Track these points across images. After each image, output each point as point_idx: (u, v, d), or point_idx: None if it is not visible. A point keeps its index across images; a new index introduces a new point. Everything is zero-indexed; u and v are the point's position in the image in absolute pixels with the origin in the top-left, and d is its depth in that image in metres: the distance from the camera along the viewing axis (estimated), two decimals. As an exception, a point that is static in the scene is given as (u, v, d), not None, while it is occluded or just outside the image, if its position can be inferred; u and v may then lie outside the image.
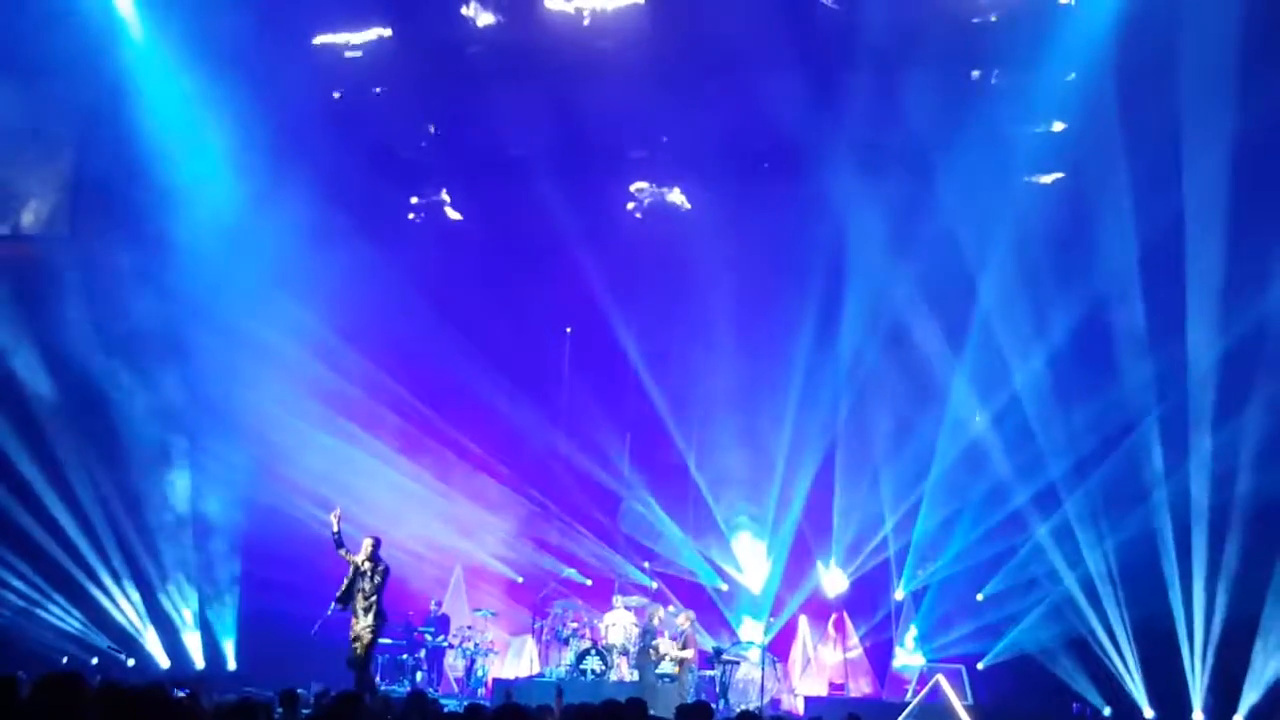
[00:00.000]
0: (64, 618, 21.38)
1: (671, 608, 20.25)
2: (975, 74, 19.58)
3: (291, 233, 20.21)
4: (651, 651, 18.55)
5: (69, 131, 22.08)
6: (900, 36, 19.04)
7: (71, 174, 22.44)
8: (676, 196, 22.47)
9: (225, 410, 21.62)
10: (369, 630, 15.42)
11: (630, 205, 22.42)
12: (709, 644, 19.69)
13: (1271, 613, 18.46)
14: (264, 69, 20.19)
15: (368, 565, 15.52)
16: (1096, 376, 19.50)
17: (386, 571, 15.72)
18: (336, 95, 21.48)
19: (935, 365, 20.88)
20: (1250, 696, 18.37)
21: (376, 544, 15.77)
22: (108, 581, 21.57)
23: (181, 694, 10.99)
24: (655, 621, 19.05)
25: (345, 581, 15.58)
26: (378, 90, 21.58)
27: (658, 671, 18.42)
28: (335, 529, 15.57)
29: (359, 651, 15.40)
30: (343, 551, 15.59)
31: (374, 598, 15.47)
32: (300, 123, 20.59)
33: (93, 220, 22.12)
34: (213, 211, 20.65)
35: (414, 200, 23.28)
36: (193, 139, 20.80)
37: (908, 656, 20.84)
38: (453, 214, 23.12)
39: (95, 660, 21.01)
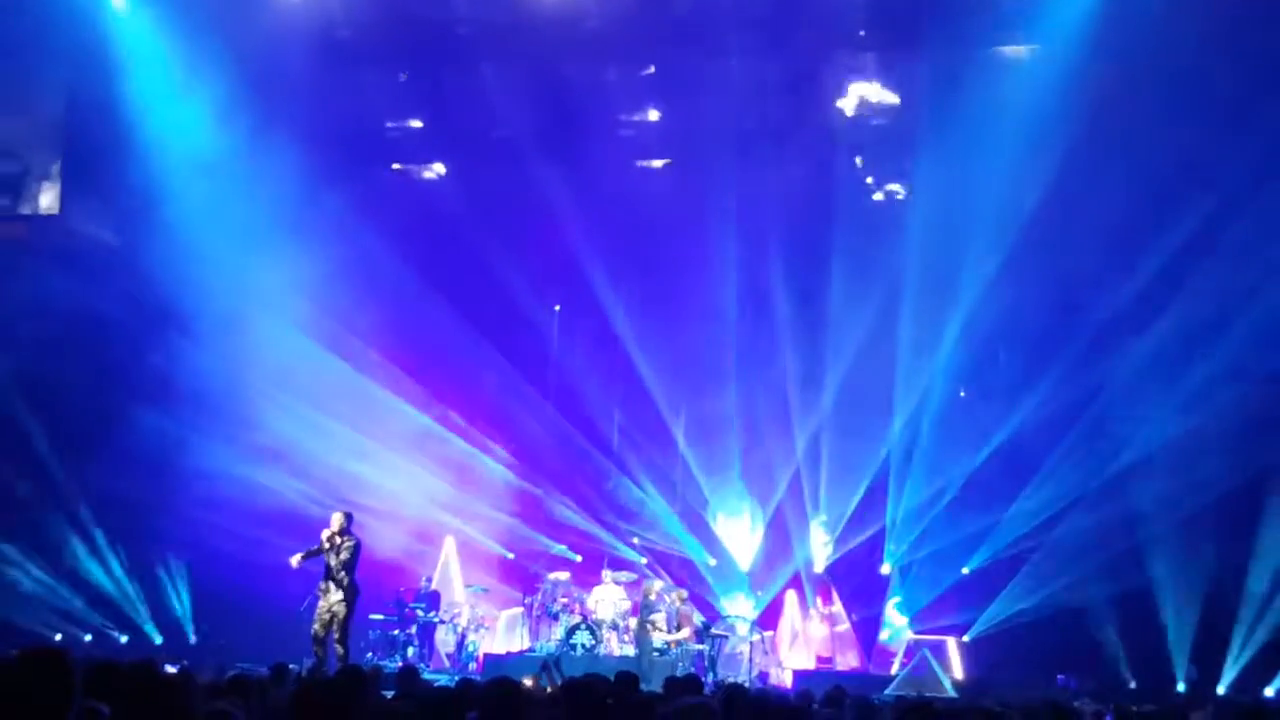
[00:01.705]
0: (55, 596, 21.49)
1: (663, 582, 20.38)
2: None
3: (277, 211, 20.23)
4: (649, 626, 18.61)
5: (55, 108, 22.04)
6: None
7: (59, 152, 22.42)
8: (664, 172, 22.47)
9: (215, 388, 21.62)
10: (342, 605, 15.44)
11: (618, 181, 22.37)
12: (699, 619, 19.82)
13: (1254, 585, 18.68)
14: (249, 42, 20.17)
15: (337, 540, 15.50)
16: (1076, 348, 19.62)
17: (357, 547, 15.63)
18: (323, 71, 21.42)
19: (921, 343, 20.97)
20: (1233, 669, 18.61)
21: (348, 519, 15.77)
22: (99, 559, 21.66)
23: (173, 670, 11.06)
24: (652, 596, 19.12)
25: (304, 553, 15.56)
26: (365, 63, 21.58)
27: (654, 646, 18.52)
28: (296, 564, 15.61)
29: (334, 628, 15.36)
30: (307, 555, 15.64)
31: (343, 573, 15.46)
32: (288, 97, 20.58)
33: (81, 198, 22.15)
34: (200, 189, 20.64)
35: (397, 167, 23.24)
36: (180, 114, 20.76)
37: (894, 629, 21.00)
38: (437, 169, 23.01)
39: (88, 638, 21.11)
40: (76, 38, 20.64)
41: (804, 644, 21.62)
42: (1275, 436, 18.33)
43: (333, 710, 5.37)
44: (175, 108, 20.74)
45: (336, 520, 15.65)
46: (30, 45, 20.47)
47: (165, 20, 20.52)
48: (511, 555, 22.74)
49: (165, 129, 20.84)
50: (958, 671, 19.61)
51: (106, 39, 20.73)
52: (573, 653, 18.60)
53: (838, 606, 21.52)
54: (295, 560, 15.60)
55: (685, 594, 19.62)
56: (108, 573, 21.85)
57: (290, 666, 11.63)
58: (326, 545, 15.49)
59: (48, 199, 22.42)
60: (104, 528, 21.78)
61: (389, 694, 10.99)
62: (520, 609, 21.29)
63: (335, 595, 15.42)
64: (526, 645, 20.35)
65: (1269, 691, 18.02)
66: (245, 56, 20.19)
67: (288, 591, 18.22)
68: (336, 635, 15.41)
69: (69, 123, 22.09)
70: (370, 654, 19.72)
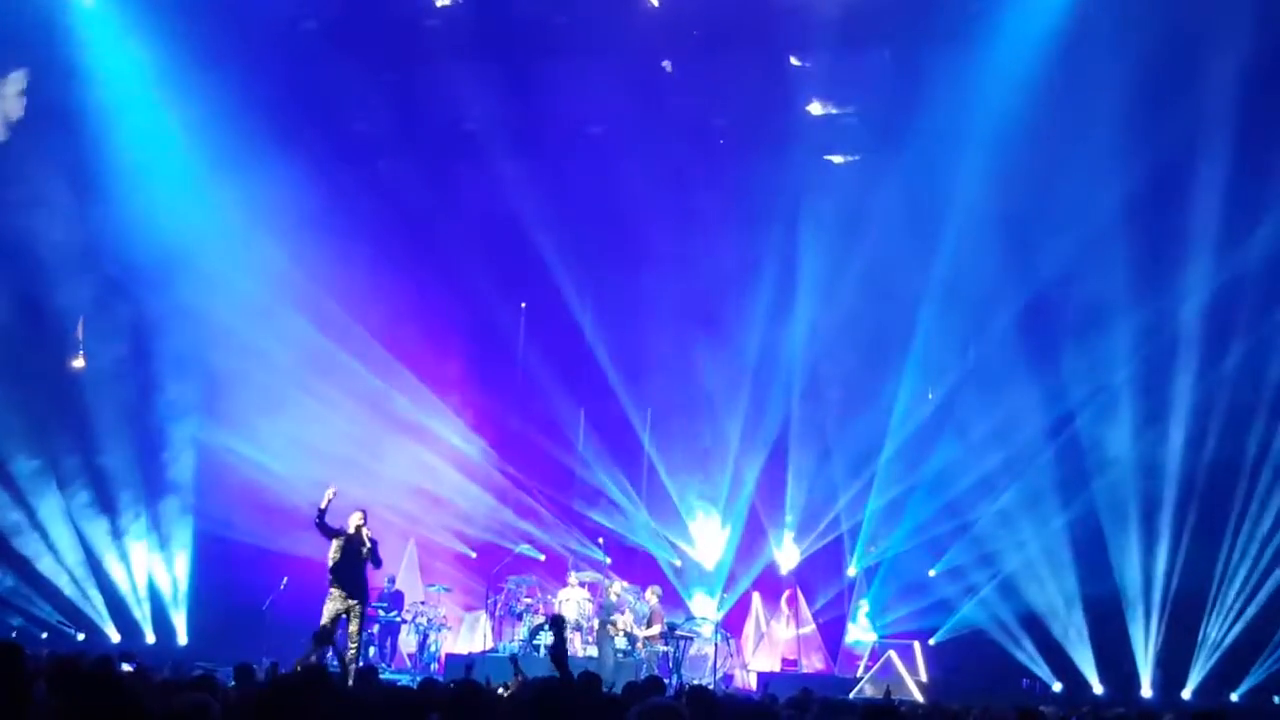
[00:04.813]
0: (11, 589, 21.22)
1: (624, 583, 20.25)
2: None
3: (246, 207, 20.06)
4: (610, 627, 18.44)
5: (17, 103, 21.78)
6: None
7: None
8: (634, 169, 22.35)
9: (179, 378, 21.41)
10: (359, 602, 15.01)
11: (587, 178, 22.25)
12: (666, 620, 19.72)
13: (1218, 589, 18.76)
14: (218, 36, 19.94)
15: (364, 535, 15.02)
16: (1046, 356, 19.65)
17: (375, 544, 15.23)
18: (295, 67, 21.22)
19: (889, 343, 20.96)
20: (1198, 672, 18.68)
21: (366, 516, 15.37)
22: (55, 553, 21.39)
23: (129, 668, 10.87)
24: (613, 597, 18.98)
25: (335, 558, 14.84)
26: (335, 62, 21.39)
27: (616, 647, 18.38)
28: (324, 504, 14.81)
29: (350, 623, 14.88)
30: (326, 530, 14.88)
31: (368, 567, 15.12)
32: (256, 94, 20.32)
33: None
34: (165, 183, 20.47)
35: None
36: (146, 109, 20.58)
37: (860, 632, 20.97)
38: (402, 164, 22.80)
39: (45, 634, 20.82)
40: (41, 36, 20.39)
41: (770, 646, 21.56)
42: (1243, 438, 18.41)
43: (305, 709, 5.24)
44: (141, 107, 20.57)
45: (359, 516, 15.23)
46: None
47: (129, 8, 20.26)
48: (475, 554, 22.58)
49: (131, 127, 20.64)
50: (923, 674, 19.58)
51: (67, 27, 20.46)
52: (536, 653, 18.46)
53: (804, 608, 21.48)
54: (330, 494, 14.85)
55: (659, 590, 19.50)
56: (65, 568, 21.57)
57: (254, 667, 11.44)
58: (365, 541, 15.02)
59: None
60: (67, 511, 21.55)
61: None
62: (483, 609, 21.15)
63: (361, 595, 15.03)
64: (489, 645, 20.20)
65: (1234, 697, 18.11)
66: (209, 45, 19.96)
67: (244, 587, 18.04)
68: (354, 630, 15.02)
69: (31, 118, 21.80)
70: (329, 653, 19.50)
